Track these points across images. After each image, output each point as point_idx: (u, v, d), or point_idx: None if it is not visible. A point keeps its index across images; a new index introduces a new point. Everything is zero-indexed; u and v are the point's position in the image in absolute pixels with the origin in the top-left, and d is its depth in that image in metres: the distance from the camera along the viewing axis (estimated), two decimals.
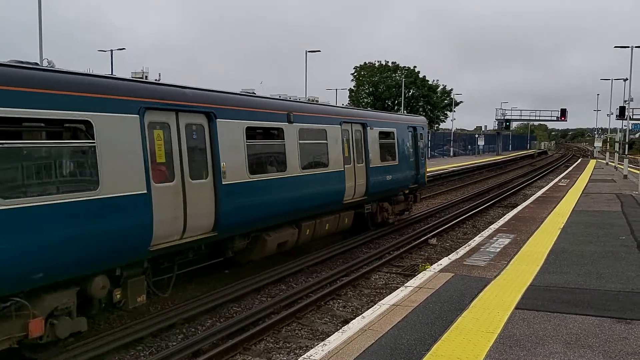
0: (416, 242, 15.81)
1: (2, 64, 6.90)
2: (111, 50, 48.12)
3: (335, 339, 6.53)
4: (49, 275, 7.07)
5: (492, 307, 7.56)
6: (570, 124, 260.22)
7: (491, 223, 17.05)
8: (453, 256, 10.90)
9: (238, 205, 10.31)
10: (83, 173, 7.64)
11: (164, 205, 8.66)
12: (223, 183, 9.91)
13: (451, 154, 73.33)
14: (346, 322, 8.41)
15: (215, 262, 11.26)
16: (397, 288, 9.05)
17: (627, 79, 51.13)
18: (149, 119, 8.59)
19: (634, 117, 63.23)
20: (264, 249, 11.75)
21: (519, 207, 18.97)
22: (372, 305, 8.20)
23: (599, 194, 22.77)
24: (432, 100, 78.23)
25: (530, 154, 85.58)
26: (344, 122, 14.78)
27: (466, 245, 12.14)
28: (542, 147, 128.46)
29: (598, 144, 76.79)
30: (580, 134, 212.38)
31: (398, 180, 17.71)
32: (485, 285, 8.65)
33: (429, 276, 9.31)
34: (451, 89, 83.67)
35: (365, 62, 78.71)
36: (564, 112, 76.59)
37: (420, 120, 21.65)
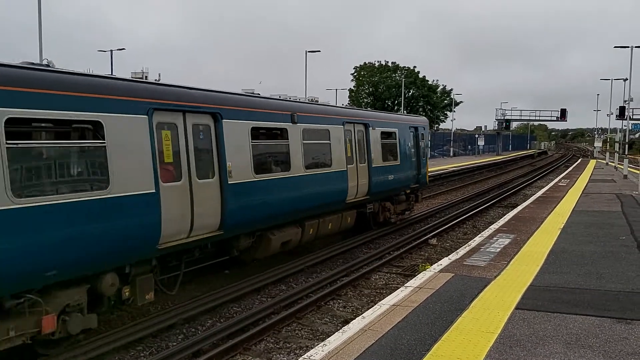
0: (416, 242, 15.81)
1: (14, 66, 7.02)
2: (111, 51, 48.13)
3: (335, 339, 6.53)
4: (62, 272, 7.21)
5: (492, 307, 7.56)
6: (570, 124, 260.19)
7: (491, 223, 17.05)
8: (453, 256, 10.90)
9: (243, 204, 10.44)
10: (93, 173, 7.80)
11: (172, 204, 8.80)
12: (229, 183, 10.05)
13: (451, 154, 73.33)
14: (346, 322, 8.42)
15: (215, 262, 11.25)
16: (397, 288, 9.05)
17: (627, 79, 51.17)
18: (157, 120, 8.73)
19: (634, 117, 63.20)
20: (268, 248, 11.86)
21: (519, 207, 18.97)
22: (372, 306, 8.20)
23: (599, 194, 22.77)
24: (432, 100, 78.22)
25: (530, 154, 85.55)
26: (347, 122, 14.88)
27: (466, 245, 12.14)
28: (542, 147, 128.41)
29: (598, 144, 76.76)
30: (580, 134, 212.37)
31: (400, 180, 17.82)
32: (486, 286, 8.65)
33: (429, 276, 9.31)
34: (451, 89, 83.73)
35: (365, 62, 78.81)
36: (564, 112, 76.68)
37: (421, 120, 21.77)
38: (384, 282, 12.23)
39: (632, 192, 23.21)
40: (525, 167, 56.54)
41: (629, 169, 34.61)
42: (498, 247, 11.61)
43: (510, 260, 10.40)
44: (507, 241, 12.30)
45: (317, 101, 15.96)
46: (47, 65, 7.87)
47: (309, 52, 50.43)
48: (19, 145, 6.74)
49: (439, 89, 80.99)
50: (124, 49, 50.10)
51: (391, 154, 17.42)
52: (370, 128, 16.04)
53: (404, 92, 68.71)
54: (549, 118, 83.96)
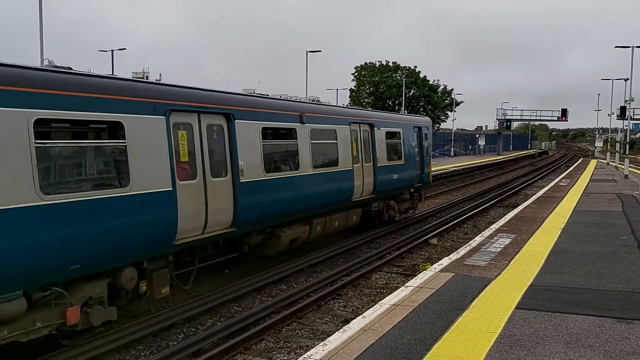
0: (417, 242, 15.82)
1: (41, 69, 7.32)
2: (112, 51, 48.01)
3: (335, 339, 6.54)
4: (85, 266, 7.46)
5: (492, 307, 7.56)
6: (571, 124, 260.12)
7: (492, 223, 17.05)
8: (454, 256, 10.90)
9: (255, 202, 10.70)
10: (115, 171, 8.10)
11: (188, 201, 9.09)
12: (241, 181, 10.32)
13: (452, 154, 73.32)
14: (347, 321, 8.41)
15: (215, 262, 11.27)
16: (398, 288, 9.05)
17: (627, 79, 51.13)
18: (174, 120, 9.03)
19: (635, 117, 63.21)
20: (278, 245, 12.16)
21: (520, 207, 18.97)
22: (373, 305, 8.21)
23: (600, 193, 22.75)
24: (433, 100, 78.23)
25: (531, 154, 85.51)
26: (353, 122, 15.14)
27: (467, 245, 12.14)
28: (543, 147, 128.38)
29: (599, 144, 76.70)
30: (581, 134, 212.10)
31: (404, 179, 18.06)
32: (486, 285, 8.65)
33: (430, 276, 9.31)
34: (452, 89, 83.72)
35: (365, 62, 78.81)
36: (564, 112, 76.54)
37: (424, 120, 22.07)
38: (384, 281, 12.24)
39: (633, 192, 23.19)
40: (526, 167, 56.53)
41: (629, 168, 34.60)
42: (499, 247, 11.61)
43: (511, 260, 10.40)
44: (507, 241, 12.30)
45: (319, 101, 16.08)
46: (70, 68, 8.10)
47: (309, 52, 50.57)
48: (47, 145, 7.04)
49: (439, 89, 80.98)
50: (124, 49, 50.06)
51: (395, 153, 17.66)
52: (376, 128, 16.27)
53: (405, 92, 68.69)
54: (550, 118, 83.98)
